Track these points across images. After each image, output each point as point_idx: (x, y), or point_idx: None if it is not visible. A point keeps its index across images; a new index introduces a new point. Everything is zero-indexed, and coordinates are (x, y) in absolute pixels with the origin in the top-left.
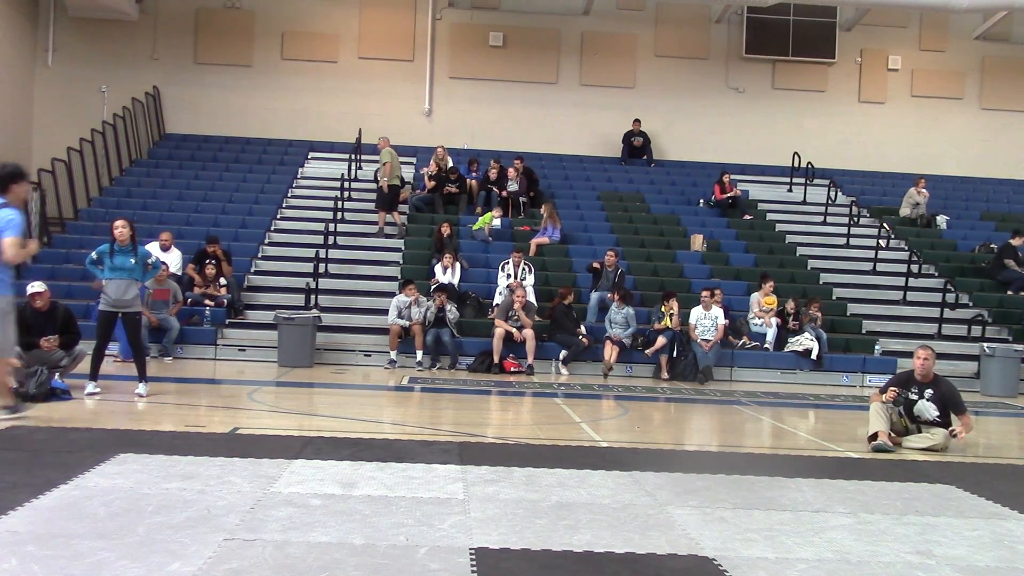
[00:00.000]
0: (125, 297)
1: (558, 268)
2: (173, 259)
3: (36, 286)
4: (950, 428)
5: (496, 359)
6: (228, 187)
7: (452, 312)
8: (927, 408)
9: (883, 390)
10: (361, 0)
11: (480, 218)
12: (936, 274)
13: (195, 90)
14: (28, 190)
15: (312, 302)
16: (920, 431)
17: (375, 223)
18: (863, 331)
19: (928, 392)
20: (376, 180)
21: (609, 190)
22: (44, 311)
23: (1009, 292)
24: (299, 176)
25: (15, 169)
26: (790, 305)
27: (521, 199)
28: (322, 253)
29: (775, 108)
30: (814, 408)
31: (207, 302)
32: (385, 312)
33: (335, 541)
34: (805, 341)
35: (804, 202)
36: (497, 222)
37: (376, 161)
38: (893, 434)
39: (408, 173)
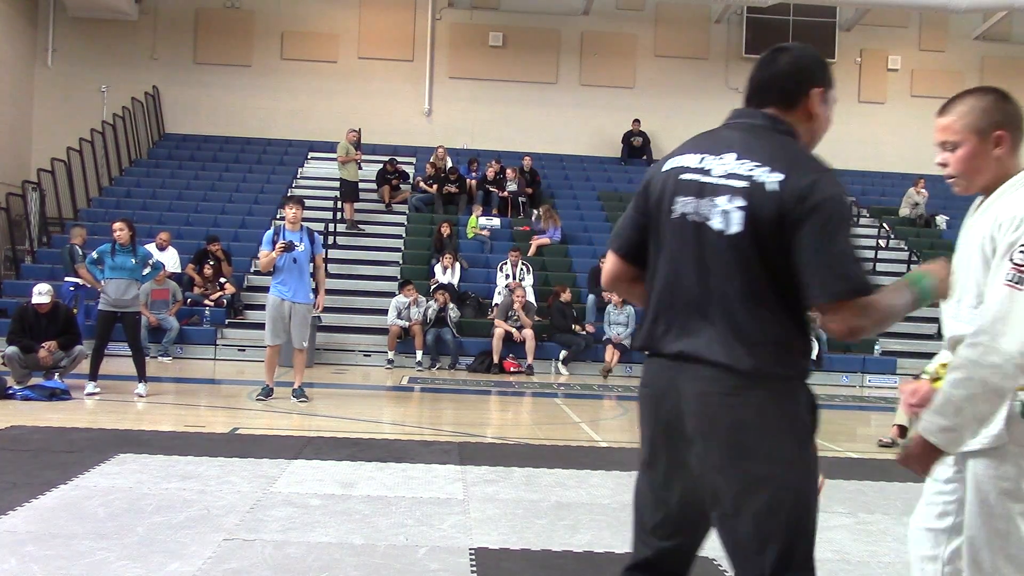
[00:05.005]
0: (124, 297)
1: (558, 268)
2: (169, 258)
3: (42, 291)
4: None
5: (496, 359)
6: (228, 187)
7: (454, 311)
8: None
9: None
10: (361, 0)
11: (468, 223)
12: None
13: (195, 90)
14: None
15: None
16: None
17: (374, 223)
18: None
19: None
20: None
21: (609, 190)
22: (46, 312)
23: None
24: (299, 176)
25: (289, 198)
26: None
27: (520, 199)
28: None
29: None
30: None
31: (207, 302)
32: (385, 312)
33: (335, 541)
34: None
35: None
36: (485, 220)
37: (377, 161)
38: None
39: (408, 173)
